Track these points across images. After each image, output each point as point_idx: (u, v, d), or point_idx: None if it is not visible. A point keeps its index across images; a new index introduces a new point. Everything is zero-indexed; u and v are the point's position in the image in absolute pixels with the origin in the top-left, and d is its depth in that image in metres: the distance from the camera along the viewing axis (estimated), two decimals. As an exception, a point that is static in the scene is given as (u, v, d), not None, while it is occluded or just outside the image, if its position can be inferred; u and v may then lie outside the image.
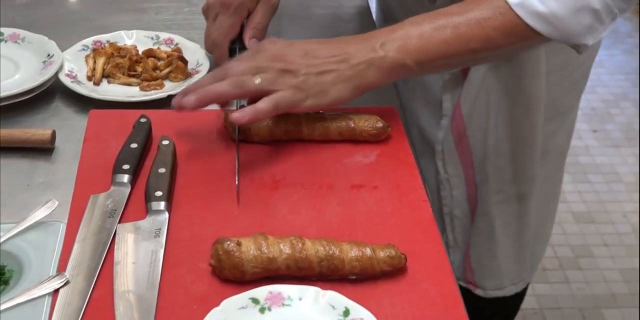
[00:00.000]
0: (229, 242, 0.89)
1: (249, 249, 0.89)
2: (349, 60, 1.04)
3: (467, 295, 1.48)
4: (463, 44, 1.04)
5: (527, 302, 2.25)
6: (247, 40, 1.23)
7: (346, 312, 0.85)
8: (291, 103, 1.04)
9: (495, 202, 1.38)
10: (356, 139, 1.11)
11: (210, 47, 1.24)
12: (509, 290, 1.52)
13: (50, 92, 1.21)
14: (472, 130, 1.34)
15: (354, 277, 0.90)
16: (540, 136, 1.34)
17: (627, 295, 2.34)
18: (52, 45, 1.26)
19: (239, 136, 1.10)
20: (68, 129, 1.15)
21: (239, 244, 0.89)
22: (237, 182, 1.02)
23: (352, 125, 1.10)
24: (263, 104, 1.03)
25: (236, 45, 1.24)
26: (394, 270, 0.91)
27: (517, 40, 1.05)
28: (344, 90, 1.05)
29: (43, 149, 1.10)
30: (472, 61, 1.15)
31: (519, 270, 1.50)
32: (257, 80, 1.03)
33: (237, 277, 0.89)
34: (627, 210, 2.65)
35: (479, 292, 1.49)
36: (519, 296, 1.74)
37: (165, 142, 1.06)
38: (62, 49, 1.26)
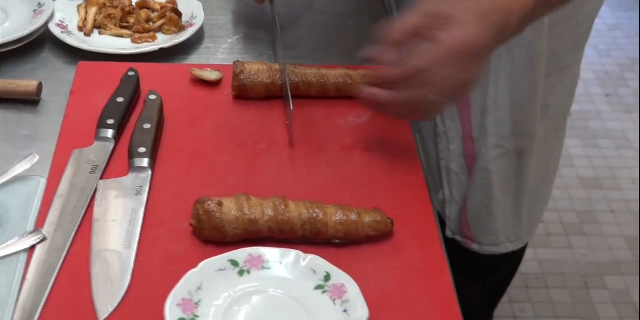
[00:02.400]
0: (209, 202, 0.86)
1: (231, 209, 0.86)
2: (498, 39, 0.94)
3: (465, 253, 1.48)
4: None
5: (530, 267, 2.24)
6: None
7: (327, 277, 0.83)
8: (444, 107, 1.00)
9: (493, 157, 1.37)
10: (354, 96, 1.07)
11: None
12: (505, 247, 1.51)
13: (40, 42, 1.18)
14: None
15: (337, 241, 0.88)
16: (540, 90, 1.32)
17: (631, 262, 2.31)
18: (43, -6, 1.22)
19: (234, 92, 1.08)
20: (56, 80, 1.12)
21: (220, 204, 0.86)
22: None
23: (350, 81, 1.07)
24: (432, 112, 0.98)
25: None
26: (380, 235, 0.89)
27: None
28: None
29: (29, 101, 1.07)
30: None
31: (515, 228, 1.49)
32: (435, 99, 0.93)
33: (217, 238, 0.87)
34: (636, 177, 2.60)
35: (475, 247, 1.48)
36: (517, 258, 1.73)
37: (152, 97, 1.03)
38: (54, -1, 1.23)
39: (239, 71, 1.06)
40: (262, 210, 0.87)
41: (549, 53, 1.31)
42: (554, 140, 1.51)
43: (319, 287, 0.82)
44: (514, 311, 2.17)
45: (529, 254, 1.78)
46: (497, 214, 1.46)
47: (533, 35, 1.26)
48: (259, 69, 1.07)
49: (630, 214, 2.47)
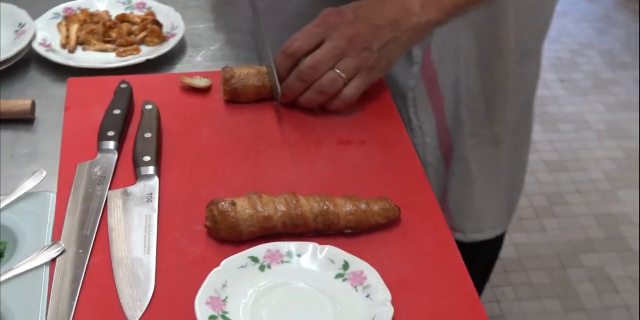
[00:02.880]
0: (223, 203, 0.89)
1: (244, 208, 0.89)
2: (399, 26, 1.06)
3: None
4: None
5: (506, 252, 2.29)
6: None
7: (345, 266, 0.86)
8: (370, 82, 1.07)
9: (471, 146, 1.41)
10: None
11: None
12: (488, 234, 1.55)
13: (25, 61, 1.19)
14: (442, 75, 1.35)
15: (349, 231, 0.91)
16: (511, 78, 1.37)
17: (602, 239, 2.38)
18: (22, 14, 1.23)
19: (225, 97, 1.10)
20: (46, 98, 1.13)
21: (233, 204, 0.89)
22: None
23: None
24: (352, 92, 1.06)
25: None
26: (389, 222, 0.92)
27: None
28: (399, 54, 1.08)
29: (23, 120, 1.08)
30: (486, 4, 1.17)
31: (496, 214, 1.53)
32: (343, 75, 1.04)
33: (233, 237, 0.89)
34: (597, 156, 2.68)
35: (458, 235, 1.52)
36: (497, 244, 1.78)
37: (149, 107, 1.05)
38: (33, 18, 1.24)
39: (228, 76, 1.09)
40: (275, 207, 0.89)
41: (517, 41, 1.35)
42: (525, 127, 1.55)
43: (339, 276, 0.85)
44: (496, 295, 2.22)
45: (504, 239, 1.82)
46: (477, 201, 1.50)
47: (500, 24, 1.31)
48: (248, 73, 1.10)
49: (597, 193, 2.54)
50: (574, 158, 2.67)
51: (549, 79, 2.99)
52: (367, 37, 1.05)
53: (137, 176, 0.97)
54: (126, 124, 1.05)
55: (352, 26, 1.05)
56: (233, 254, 0.87)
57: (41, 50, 1.18)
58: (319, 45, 1.05)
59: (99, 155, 1.00)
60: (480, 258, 1.77)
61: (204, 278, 0.84)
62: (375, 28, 1.05)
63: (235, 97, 1.10)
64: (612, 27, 3.32)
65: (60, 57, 1.18)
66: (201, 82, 1.12)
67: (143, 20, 1.24)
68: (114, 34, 1.23)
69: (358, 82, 1.06)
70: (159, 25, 1.23)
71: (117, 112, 1.04)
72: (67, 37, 1.22)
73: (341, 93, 1.06)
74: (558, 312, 2.17)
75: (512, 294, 2.22)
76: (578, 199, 2.52)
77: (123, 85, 1.09)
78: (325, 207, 0.90)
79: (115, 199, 0.95)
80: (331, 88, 1.05)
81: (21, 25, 1.22)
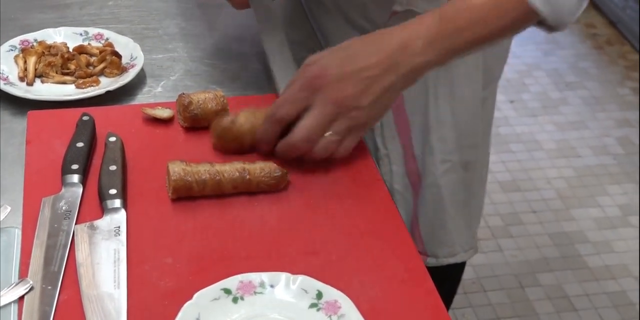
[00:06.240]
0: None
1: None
2: (396, 69, 1.00)
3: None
4: (486, 40, 1.04)
5: (465, 273, 2.28)
6: None
7: (319, 295, 0.86)
8: (360, 138, 1.05)
9: (442, 172, 1.41)
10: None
11: None
12: (461, 257, 1.55)
13: (-18, 95, 1.18)
14: (410, 104, 1.36)
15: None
16: (480, 103, 1.37)
17: (558, 258, 2.41)
18: (-22, 48, 1.22)
19: (185, 124, 1.10)
20: (6, 132, 1.11)
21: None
22: None
23: None
24: (343, 152, 1.03)
25: None
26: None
27: (521, 25, 1.04)
28: (393, 98, 1.04)
29: (-17, 155, 1.07)
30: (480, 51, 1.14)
31: (467, 237, 1.54)
32: (335, 138, 1.01)
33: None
34: (550, 176, 2.72)
35: (430, 260, 1.52)
36: (461, 266, 1.78)
37: (112, 139, 1.04)
38: (-11, 51, 1.23)
39: (187, 102, 1.08)
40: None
41: (484, 67, 1.36)
42: (485, 149, 1.57)
43: (313, 306, 0.85)
44: (457, 317, 2.23)
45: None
46: (450, 226, 1.50)
47: None
48: (205, 98, 1.09)
49: (550, 212, 2.58)
50: (527, 178, 2.71)
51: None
52: (356, 95, 0.99)
53: (103, 209, 0.96)
54: (90, 157, 1.04)
55: (339, 86, 0.99)
56: (204, 287, 0.86)
57: (-1, 83, 1.17)
58: (305, 109, 1.01)
59: (63, 189, 0.99)
60: (446, 281, 1.77)
61: (177, 312, 0.83)
62: (365, 81, 0.99)
63: (197, 123, 1.09)
64: (558, 49, 3.39)
65: (19, 90, 1.17)
66: (164, 113, 1.11)
67: (102, 51, 1.24)
68: (72, 66, 1.22)
69: (351, 142, 1.03)
70: (118, 56, 1.23)
71: (80, 145, 1.03)
72: (25, 69, 1.21)
73: (333, 155, 1.03)
74: (518, 331, 2.19)
75: (473, 315, 2.24)
76: (533, 218, 2.55)
77: (85, 118, 1.08)
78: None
79: (82, 233, 0.93)
80: (325, 154, 1.02)
81: (-23, 58, 1.20)
